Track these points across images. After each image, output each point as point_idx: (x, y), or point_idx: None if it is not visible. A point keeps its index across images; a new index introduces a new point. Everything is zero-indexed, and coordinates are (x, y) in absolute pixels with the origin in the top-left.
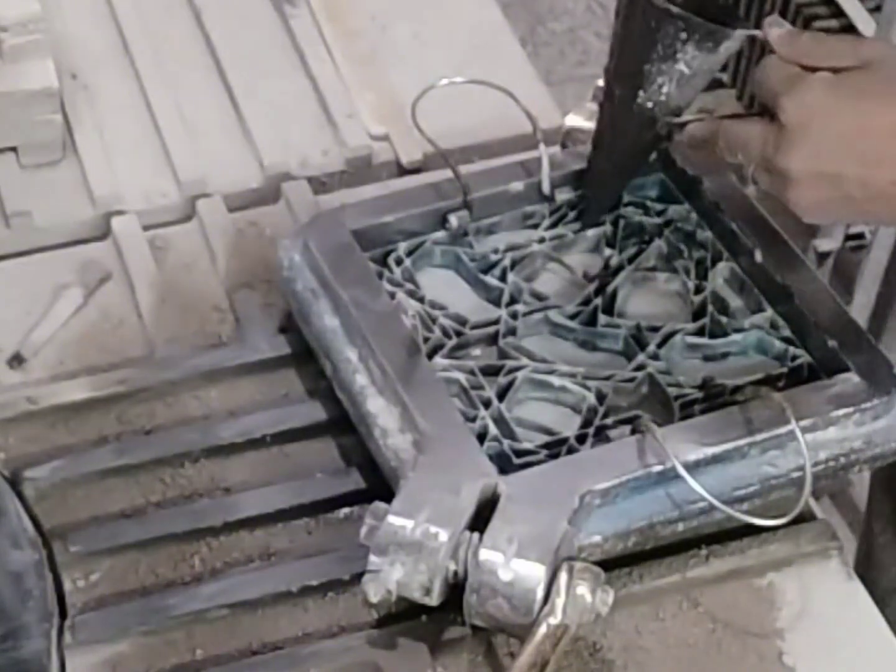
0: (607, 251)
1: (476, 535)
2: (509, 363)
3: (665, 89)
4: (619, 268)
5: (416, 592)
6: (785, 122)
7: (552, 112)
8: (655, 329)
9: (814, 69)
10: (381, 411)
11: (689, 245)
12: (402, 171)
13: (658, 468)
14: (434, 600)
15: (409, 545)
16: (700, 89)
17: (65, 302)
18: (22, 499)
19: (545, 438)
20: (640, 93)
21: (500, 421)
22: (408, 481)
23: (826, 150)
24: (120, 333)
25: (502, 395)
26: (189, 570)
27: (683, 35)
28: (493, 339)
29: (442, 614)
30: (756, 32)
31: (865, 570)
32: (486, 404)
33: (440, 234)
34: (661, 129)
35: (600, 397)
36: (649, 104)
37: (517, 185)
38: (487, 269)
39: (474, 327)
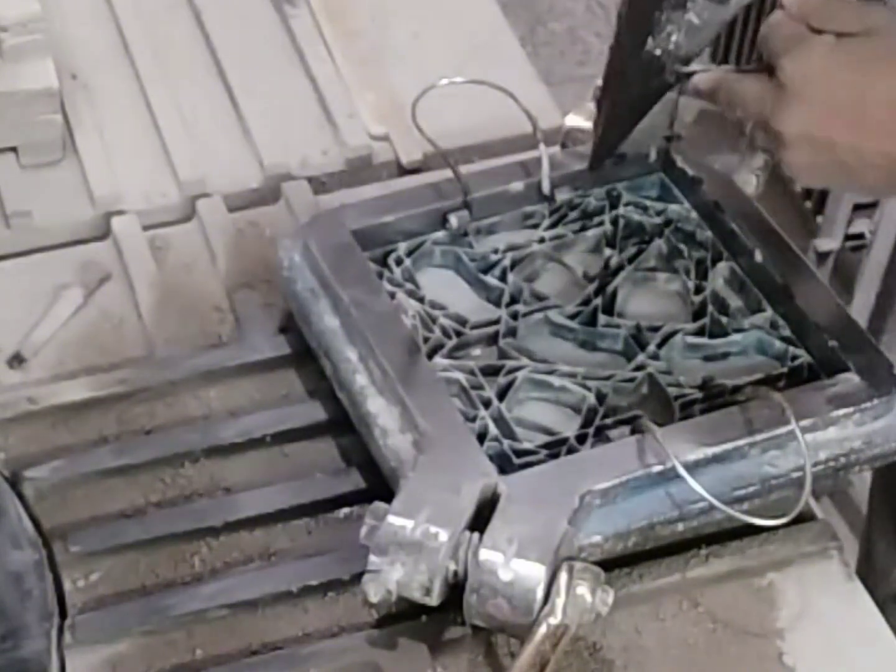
0: (607, 251)
1: (476, 535)
2: (509, 363)
3: (674, 38)
4: (619, 268)
5: (416, 592)
6: (783, 83)
7: (552, 112)
8: (655, 329)
9: (819, 31)
10: (381, 411)
11: (689, 245)
12: (402, 171)
13: (658, 468)
14: (434, 600)
15: (409, 545)
16: (710, 39)
17: (65, 302)
18: (22, 499)
19: (545, 438)
20: (649, 40)
21: (500, 421)
22: (408, 481)
23: (820, 116)
24: (120, 333)
25: (502, 395)
26: (189, 570)
27: None
28: (493, 339)
29: (442, 614)
30: None
31: (865, 575)
32: (486, 404)
33: (440, 234)
34: (668, 77)
35: (600, 397)
36: (657, 51)
37: (517, 185)
38: (487, 269)
39: (474, 327)
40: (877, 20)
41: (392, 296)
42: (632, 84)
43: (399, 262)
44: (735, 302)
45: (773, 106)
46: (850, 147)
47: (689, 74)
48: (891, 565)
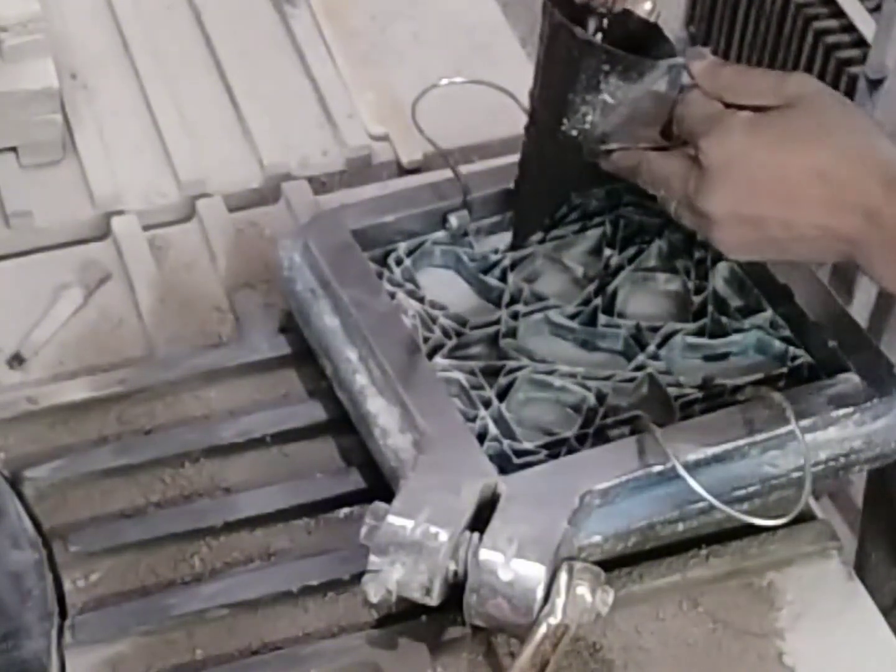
0: (607, 251)
1: (476, 535)
2: (509, 363)
3: (589, 118)
4: (619, 268)
5: (416, 592)
6: (705, 164)
7: None
8: (655, 329)
9: (735, 106)
10: (381, 411)
11: (689, 245)
12: (402, 171)
13: (658, 468)
14: (434, 600)
15: (409, 545)
16: (626, 116)
17: (65, 302)
18: (22, 499)
19: (545, 438)
20: (564, 121)
21: (500, 421)
22: (408, 481)
23: (746, 194)
24: (120, 333)
25: (502, 395)
26: (189, 570)
27: (606, 67)
28: (493, 340)
29: (442, 614)
30: (679, 61)
31: None
32: (486, 404)
33: (440, 234)
34: (587, 156)
35: (600, 397)
36: (573, 132)
37: None
38: (487, 269)
39: (474, 327)
40: (793, 90)
41: (392, 296)
42: (549, 165)
43: (399, 262)
44: (735, 302)
45: (697, 187)
46: (780, 222)
47: (608, 152)
48: (884, 577)
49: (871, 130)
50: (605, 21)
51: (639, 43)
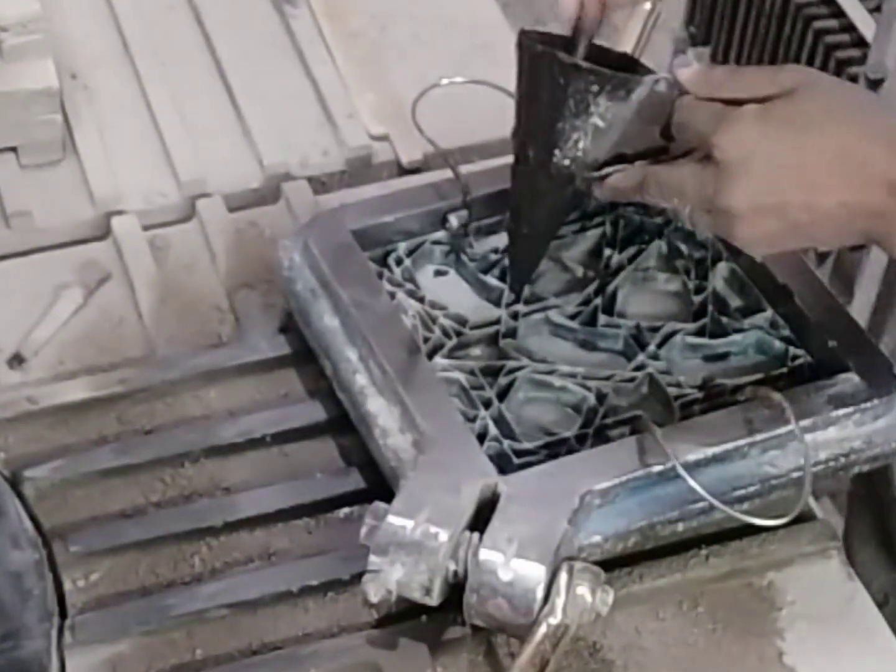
0: (607, 251)
1: (476, 535)
2: (509, 363)
3: (581, 144)
4: (619, 268)
5: (416, 592)
6: (721, 160)
7: None
8: (655, 329)
9: (736, 102)
10: (381, 411)
11: (689, 245)
12: (402, 171)
13: (658, 468)
14: (434, 600)
15: (409, 545)
16: (615, 140)
17: (65, 302)
18: (22, 499)
19: (545, 438)
20: (556, 151)
21: (500, 421)
22: (408, 481)
23: (768, 182)
24: (120, 333)
25: (502, 395)
26: (189, 570)
27: (595, 88)
28: (493, 340)
29: (442, 614)
30: (666, 76)
31: None
32: (486, 404)
33: (440, 234)
34: (580, 185)
35: (600, 397)
36: (566, 161)
37: None
38: (487, 269)
39: (474, 327)
40: (791, 80)
41: (392, 296)
42: (543, 200)
43: (399, 262)
44: (735, 302)
45: (716, 185)
46: (802, 205)
47: (602, 178)
48: (873, 575)
49: (879, 105)
50: (581, 52)
51: (615, 67)
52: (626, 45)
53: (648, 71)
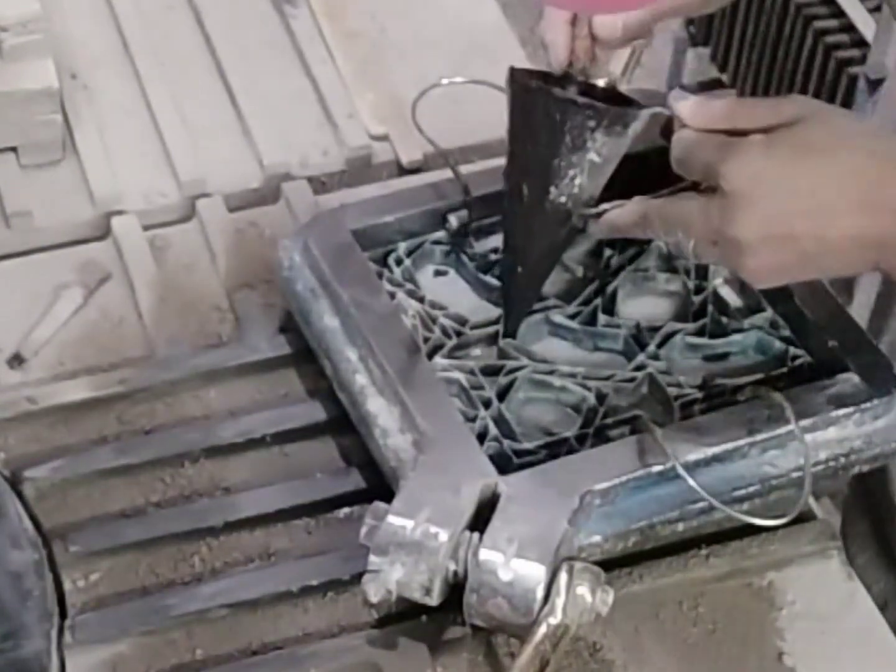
0: (607, 251)
1: (476, 535)
2: (509, 363)
3: (577, 181)
4: (619, 268)
5: (416, 592)
6: (728, 190)
7: None
8: (655, 329)
9: (738, 133)
10: (381, 411)
11: None
12: (402, 171)
13: (658, 468)
14: (434, 600)
15: (409, 545)
16: (609, 174)
17: (65, 302)
18: (22, 499)
19: (545, 438)
20: (552, 189)
21: (500, 421)
22: (408, 481)
23: (776, 211)
24: (120, 333)
25: (502, 395)
26: (189, 570)
27: (592, 123)
28: (493, 339)
29: (442, 614)
30: (661, 109)
31: None
32: (486, 404)
33: (440, 234)
34: (576, 223)
35: (600, 397)
36: (562, 199)
37: None
38: (487, 269)
39: (474, 327)
40: (794, 110)
41: (392, 296)
42: (539, 239)
43: (399, 262)
44: (735, 302)
45: (723, 216)
46: (811, 235)
47: (599, 214)
48: (872, 580)
49: (883, 132)
50: (574, 88)
51: (608, 102)
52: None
53: (641, 105)
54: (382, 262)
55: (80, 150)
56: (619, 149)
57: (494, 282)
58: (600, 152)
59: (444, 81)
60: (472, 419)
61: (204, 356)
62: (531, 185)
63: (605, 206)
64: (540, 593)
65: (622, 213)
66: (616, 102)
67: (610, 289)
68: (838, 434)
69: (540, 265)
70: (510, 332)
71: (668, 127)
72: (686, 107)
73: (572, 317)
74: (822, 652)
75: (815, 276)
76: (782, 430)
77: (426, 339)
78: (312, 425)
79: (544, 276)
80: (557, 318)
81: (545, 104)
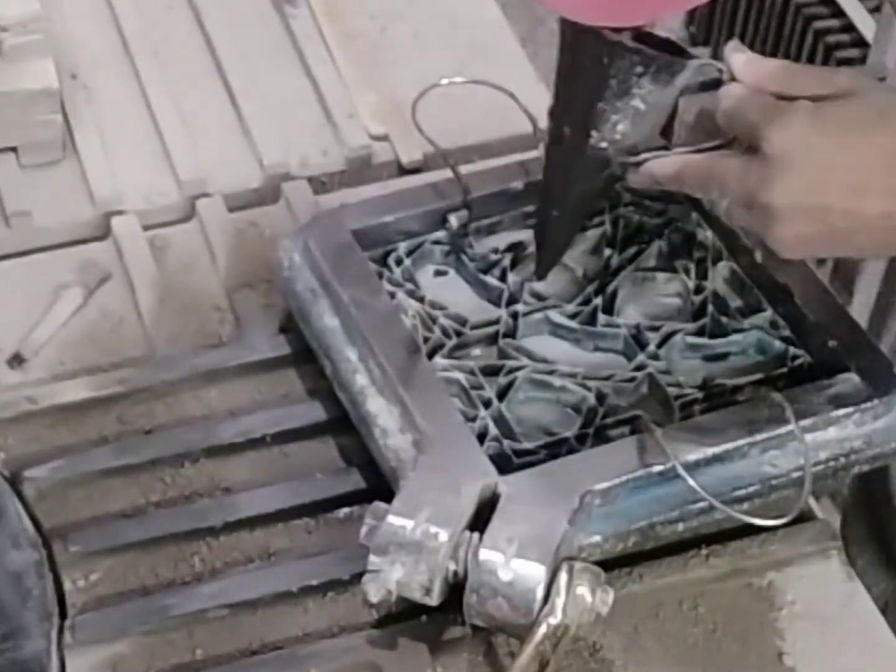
0: (607, 251)
1: (476, 535)
2: (509, 363)
3: (620, 127)
4: (619, 268)
5: (416, 592)
6: (769, 153)
7: None
8: (655, 329)
9: (786, 98)
10: (381, 411)
11: (689, 245)
12: (402, 171)
13: (658, 468)
14: (434, 600)
15: (409, 545)
16: (654, 124)
17: (65, 302)
18: (22, 499)
19: (545, 438)
20: (593, 133)
21: (500, 421)
22: (408, 481)
23: (813, 182)
24: (120, 333)
25: (502, 395)
26: (189, 570)
27: (639, 69)
28: (493, 339)
29: (442, 614)
30: (713, 62)
31: None
32: (486, 404)
33: (440, 234)
34: (615, 170)
35: (600, 397)
36: (603, 144)
37: (517, 185)
38: (487, 269)
39: (474, 327)
40: (847, 83)
41: (392, 296)
42: (576, 183)
43: (399, 262)
44: (735, 302)
45: (759, 179)
46: (844, 211)
47: (639, 164)
48: (873, 581)
49: None
50: (627, 32)
51: (658, 49)
52: None
53: (691, 56)
54: (382, 262)
55: (80, 150)
56: (665, 98)
57: (494, 282)
58: (645, 100)
59: (444, 81)
60: (472, 419)
61: (204, 356)
62: (573, 128)
63: (645, 155)
64: (540, 593)
65: (662, 165)
66: (667, 52)
67: (610, 289)
68: (838, 434)
69: (575, 211)
70: (541, 276)
71: (712, 85)
72: (740, 60)
73: (572, 317)
74: (822, 652)
75: (841, 254)
76: (782, 430)
77: (426, 339)
78: (312, 425)
79: (579, 221)
80: (557, 317)
81: (594, 45)
